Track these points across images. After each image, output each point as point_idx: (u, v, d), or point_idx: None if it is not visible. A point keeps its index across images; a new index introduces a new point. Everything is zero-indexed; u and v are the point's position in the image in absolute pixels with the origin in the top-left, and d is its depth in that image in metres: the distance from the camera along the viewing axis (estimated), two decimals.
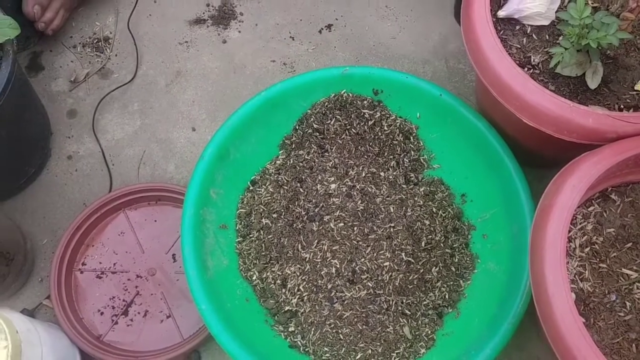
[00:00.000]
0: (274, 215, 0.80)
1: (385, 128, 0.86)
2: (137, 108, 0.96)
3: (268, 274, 0.78)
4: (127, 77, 0.98)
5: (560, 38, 0.74)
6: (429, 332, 0.75)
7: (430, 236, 0.80)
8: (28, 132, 0.83)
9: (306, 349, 0.74)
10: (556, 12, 0.77)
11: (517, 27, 0.79)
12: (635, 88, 0.74)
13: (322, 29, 1.04)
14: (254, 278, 0.78)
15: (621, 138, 0.67)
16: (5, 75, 0.70)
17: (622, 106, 0.73)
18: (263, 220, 0.80)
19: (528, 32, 0.79)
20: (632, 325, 0.64)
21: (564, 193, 0.63)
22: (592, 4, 0.80)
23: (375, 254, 0.77)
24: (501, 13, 0.79)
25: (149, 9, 1.03)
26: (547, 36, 0.78)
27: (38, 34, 0.95)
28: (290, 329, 0.75)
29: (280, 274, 0.78)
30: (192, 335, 0.78)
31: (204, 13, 1.04)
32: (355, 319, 0.74)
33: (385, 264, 0.76)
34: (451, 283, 0.78)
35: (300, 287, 0.76)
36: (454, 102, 0.84)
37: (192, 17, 1.03)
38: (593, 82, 0.74)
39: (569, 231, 0.68)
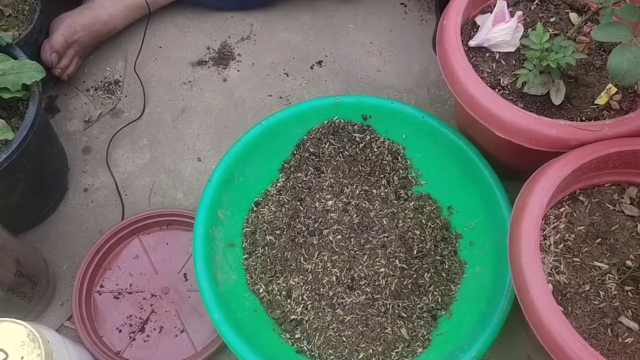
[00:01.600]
0: (277, 232, 0.88)
1: (375, 149, 0.94)
2: (147, 142, 1.04)
3: (274, 286, 0.84)
4: (136, 115, 1.06)
5: (525, 62, 0.84)
6: (425, 333, 0.82)
7: (421, 245, 0.87)
8: (49, 168, 0.91)
9: (312, 353, 0.80)
10: (520, 39, 0.87)
11: (487, 55, 0.89)
12: (595, 102, 0.84)
13: (314, 65, 1.14)
14: (260, 291, 0.84)
15: (583, 145, 0.76)
16: (33, 113, 0.78)
17: (584, 118, 0.82)
18: (267, 237, 0.88)
19: (497, 58, 0.88)
20: (606, 312, 0.70)
21: (535, 193, 0.71)
22: (553, 31, 0.91)
23: (371, 262, 0.84)
24: (472, 43, 0.89)
25: (155, 53, 1.12)
26: (513, 61, 0.88)
27: (54, 79, 1.04)
28: (296, 336, 0.81)
29: (285, 285, 0.84)
30: (204, 347, 0.84)
31: (205, 55, 1.13)
32: (356, 322, 0.80)
33: (381, 270, 0.83)
34: (443, 287, 0.85)
35: (304, 297, 0.83)
36: (435, 123, 0.93)
37: (195, 59, 1.13)
38: (557, 99, 0.83)
39: (544, 230, 0.75)
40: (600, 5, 0.75)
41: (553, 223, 0.76)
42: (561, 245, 0.75)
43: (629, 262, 0.72)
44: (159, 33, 1.14)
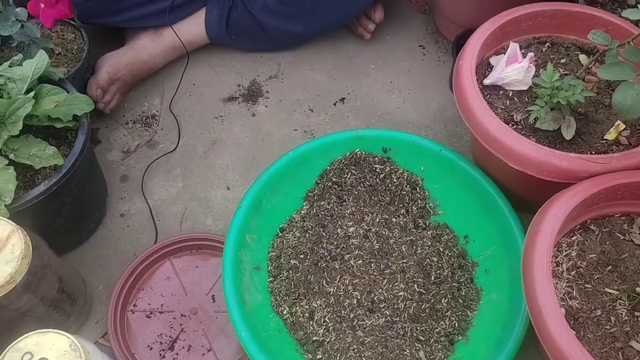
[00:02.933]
0: (301, 257, 0.92)
1: (395, 180, 0.99)
2: (180, 172, 1.11)
3: (297, 308, 0.89)
4: (170, 146, 1.13)
5: (537, 99, 0.89)
6: (442, 356, 0.85)
7: (438, 271, 0.91)
8: (91, 193, 0.98)
9: None
10: (532, 78, 0.93)
11: (501, 92, 0.95)
12: (605, 137, 0.88)
13: (337, 102, 1.21)
14: (284, 312, 0.89)
15: (593, 176, 0.80)
16: (82, 142, 0.86)
17: (594, 153, 0.87)
18: (291, 261, 0.92)
19: (510, 95, 0.94)
20: (617, 336, 0.73)
21: (547, 221, 0.75)
22: (563, 71, 0.96)
23: (391, 286, 0.88)
24: (486, 81, 0.94)
25: (189, 90, 1.21)
26: (526, 98, 0.94)
27: (97, 113, 1.12)
28: (318, 357, 0.85)
29: (307, 307, 0.88)
30: None
31: (235, 92, 1.21)
32: (376, 344, 0.84)
33: (400, 294, 0.87)
34: (460, 313, 0.88)
35: (326, 319, 0.87)
36: (452, 156, 0.98)
37: (226, 96, 1.21)
38: (568, 134, 0.88)
39: (557, 257, 0.79)
40: (606, 47, 0.80)
41: (565, 250, 0.80)
42: (573, 272, 0.78)
43: (638, 289, 0.75)
44: (194, 71, 1.23)
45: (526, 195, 0.94)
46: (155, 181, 1.09)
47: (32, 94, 0.80)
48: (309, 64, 1.26)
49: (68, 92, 0.88)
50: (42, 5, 0.88)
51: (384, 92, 1.22)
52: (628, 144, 0.87)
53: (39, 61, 0.84)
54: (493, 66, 0.96)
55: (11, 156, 0.80)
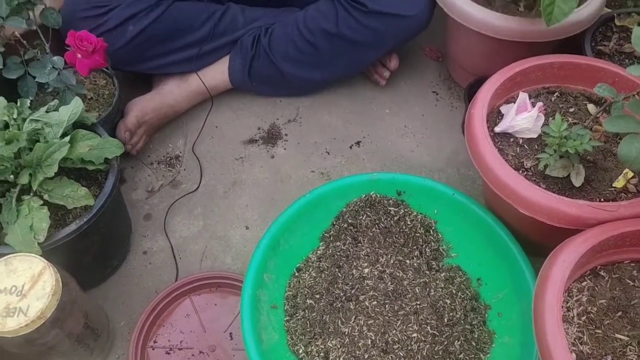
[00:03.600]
0: (317, 296, 0.95)
1: (409, 222, 1.02)
2: (201, 211, 1.15)
3: (312, 347, 0.91)
4: (192, 186, 1.18)
5: (546, 147, 0.93)
6: None
7: (451, 314, 0.93)
8: (117, 232, 1.02)
9: None
10: (541, 127, 0.97)
11: (511, 140, 0.98)
12: (613, 185, 0.91)
13: (352, 145, 1.25)
14: (300, 352, 0.91)
15: (601, 223, 0.82)
16: (111, 183, 0.91)
17: (602, 200, 0.89)
18: (307, 300, 0.95)
19: (520, 143, 0.97)
20: None
21: (557, 267, 0.77)
22: (572, 120, 1.00)
23: (404, 327, 0.90)
24: (497, 129, 0.98)
25: (212, 132, 1.26)
26: (536, 146, 0.97)
27: (124, 153, 1.17)
28: None
29: (323, 347, 0.90)
30: None
31: (255, 135, 1.27)
32: None
33: (413, 335, 0.89)
34: (472, 356, 0.90)
35: (341, 359, 0.89)
36: (464, 200, 1.01)
37: (246, 138, 1.26)
38: (577, 181, 0.90)
39: (567, 302, 0.81)
40: (613, 99, 0.84)
41: (576, 296, 0.82)
42: (584, 317, 0.80)
43: None
44: (217, 114, 1.29)
45: (537, 239, 0.96)
46: (177, 220, 1.14)
47: (67, 138, 0.86)
48: (326, 109, 1.31)
49: (100, 136, 0.93)
50: (79, 56, 0.94)
51: (398, 136, 1.26)
52: (636, 191, 0.89)
53: (74, 107, 0.90)
54: (503, 114, 0.99)
55: (45, 197, 0.85)
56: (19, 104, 0.90)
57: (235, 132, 1.27)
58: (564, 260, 0.78)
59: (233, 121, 1.28)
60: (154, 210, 1.15)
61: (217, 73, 1.23)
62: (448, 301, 0.94)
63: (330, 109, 1.31)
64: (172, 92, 1.21)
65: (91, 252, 0.94)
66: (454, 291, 0.96)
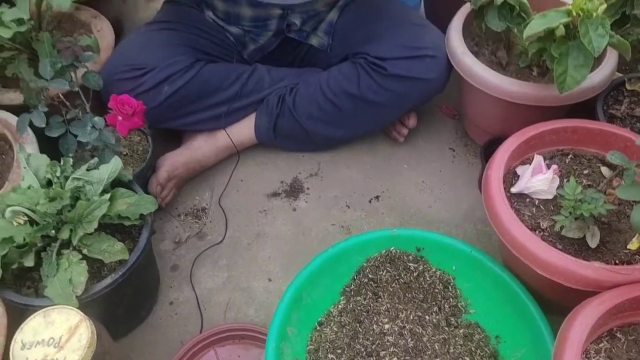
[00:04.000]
0: (338, 351, 0.97)
1: (428, 279, 1.05)
2: (225, 263, 1.19)
3: None
4: (218, 238, 1.23)
5: (562, 209, 0.96)
6: None
7: None
8: (147, 283, 1.06)
9: None
10: (556, 189, 1.00)
11: (527, 200, 1.02)
12: (628, 247, 0.94)
13: (372, 199, 1.30)
14: None
15: (617, 286, 0.85)
16: (145, 238, 0.95)
17: (617, 262, 0.92)
18: (329, 355, 0.97)
19: (536, 203, 1.01)
20: None
21: (575, 329, 0.80)
22: (586, 182, 1.04)
23: None
24: (513, 190, 1.02)
25: (237, 185, 1.32)
26: (551, 207, 1.01)
27: None
28: None
29: None
30: None
31: (278, 188, 1.32)
32: None
33: None
34: None
35: None
36: (482, 258, 1.04)
37: (270, 192, 1.31)
38: (592, 243, 0.94)
39: None
40: (625, 166, 0.88)
41: (594, 357, 0.83)
42: None
43: None
44: (242, 168, 1.34)
45: (554, 298, 0.98)
46: (202, 271, 1.18)
47: (107, 196, 0.91)
48: (347, 163, 1.36)
49: (136, 193, 0.99)
50: (120, 118, 1.01)
51: (416, 191, 1.31)
52: None
53: (113, 166, 0.96)
54: (519, 175, 1.04)
55: (84, 251, 0.90)
56: (62, 162, 0.96)
57: (260, 186, 1.32)
58: (581, 323, 0.80)
59: (257, 175, 1.34)
60: (181, 261, 1.19)
61: (244, 130, 1.30)
62: (467, 359, 0.96)
63: (350, 164, 1.36)
64: (201, 147, 1.27)
65: (123, 304, 0.98)
66: (472, 348, 0.97)
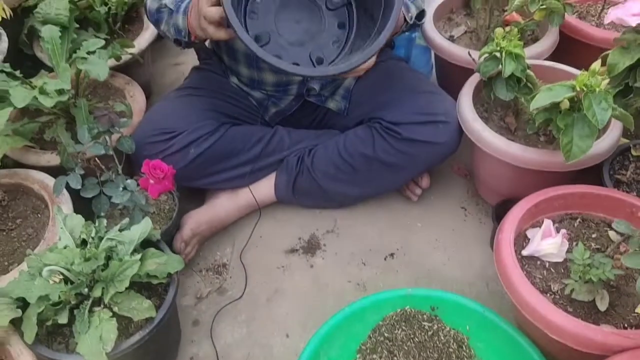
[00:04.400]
0: None
1: (442, 338, 1.08)
2: (244, 318, 1.23)
3: None
4: (237, 294, 1.27)
5: (571, 273, 1.00)
6: None
7: None
8: (171, 339, 1.10)
9: None
10: (566, 252, 1.04)
11: (538, 262, 1.06)
12: (636, 311, 0.97)
13: (387, 256, 1.34)
14: None
15: (625, 350, 0.87)
16: (172, 296, 1.00)
17: (626, 325, 0.95)
18: None
19: (547, 266, 1.05)
20: None
21: None
22: (595, 246, 1.08)
23: None
24: (524, 252, 1.06)
25: (257, 242, 1.37)
26: (562, 269, 1.04)
27: None
28: None
29: None
30: None
31: (296, 245, 1.36)
32: None
33: None
34: None
35: None
36: (495, 318, 1.07)
37: (288, 248, 1.36)
38: (602, 306, 0.97)
39: None
40: (630, 234, 0.92)
41: None
42: None
43: None
44: (262, 225, 1.40)
45: (566, 359, 1.01)
46: (222, 326, 1.21)
47: (139, 256, 0.97)
48: (362, 220, 1.41)
49: (164, 252, 1.04)
50: (152, 181, 1.08)
51: (430, 249, 1.35)
52: None
53: (144, 227, 1.02)
54: (530, 239, 1.08)
55: (115, 309, 0.95)
56: (97, 223, 1.02)
57: (278, 242, 1.37)
58: None
59: (276, 231, 1.39)
60: (202, 316, 1.23)
61: (265, 188, 1.36)
62: None
63: (366, 221, 1.41)
64: (224, 205, 1.33)
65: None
66: None
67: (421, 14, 1.30)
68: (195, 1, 1.07)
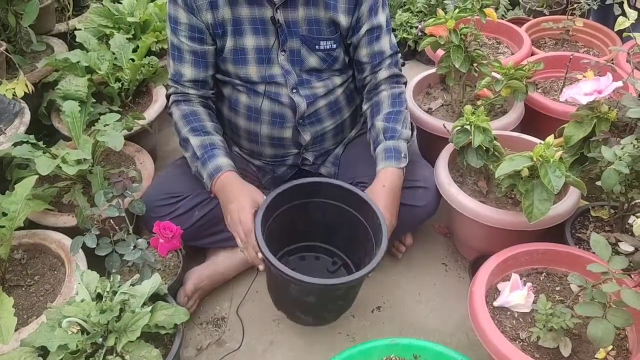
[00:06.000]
0: None
1: None
2: None
3: None
4: (235, 345, 1.36)
5: (537, 322, 1.11)
6: None
7: None
8: None
9: None
10: (532, 303, 1.16)
11: (508, 313, 1.17)
12: (596, 356, 1.08)
13: (374, 309, 1.44)
14: None
15: None
16: (178, 344, 1.10)
17: None
18: None
19: (516, 316, 1.16)
20: None
21: None
22: (558, 297, 1.20)
23: None
24: (495, 303, 1.18)
25: (253, 297, 1.47)
26: (529, 319, 1.16)
27: None
28: None
29: None
30: None
31: None
32: None
33: None
34: None
35: None
36: None
37: None
38: (565, 352, 1.08)
39: None
40: (584, 286, 1.05)
41: None
42: None
43: None
44: (257, 281, 1.50)
45: None
46: None
47: (149, 308, 1.07)
48: None
49: (168, 303, 1.15)
50: (162, 241, 1.20)
51: (413, 302, 1.46)
52: None
53: (154, 282, 1.13)
54: (500, 291, 1.20)
55: (127, 357, 1.05)
56: (111, 279, 1.13)
57: None
58: None
59: None
60: None
61: None
62: None
63: None
64: (224, 262, 1.45)
65: None
66: None
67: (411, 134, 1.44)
68: (239, 206, 1.23)
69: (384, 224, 1.21)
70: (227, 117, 1.47)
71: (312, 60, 1.36)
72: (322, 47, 1.35)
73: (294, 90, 1.38)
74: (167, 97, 1.43)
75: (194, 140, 1.33)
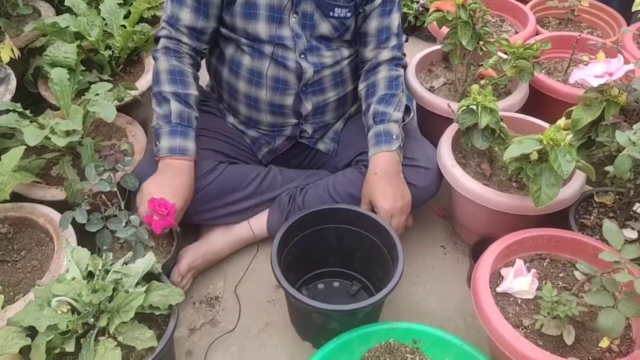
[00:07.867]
0: None
1: None
2: (236, 349, 1.29)
3: None
4: (230, 326, 1.33)
5: (541, 309, 1.09)
6: None
7: None
8: None
9: None
10: (536, 289, 1.14)
11: (511, 299, 1.15)
12: (599, 345, 1.06)
13: None
14: None
15: None
16: (172, 326, 1.06)
17: (590, 358, 1.04)
18: None
19: (519, 302, 1.14)
20: None
21: None
22: (562, 284, 1.18)
23: None
24: (498, 289, 1.16)
25: (248, 275, 1.44)
26: (532, 306, 1.14)
27: None
28: None
29: None
30: None
31: None
32: None
33: None
34: None
35: None
36: (472, 351, 1.15)
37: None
38: (568, 340, 1.06)
39: None
40: (592, 274, 1.02)
41: None
42: None
43: None
44: (254, 259, 1.47)
45: None
46: (214, 357, 1.27)
47: (144, 288, 1.03)
48: None
49: (162, 283, 1.10)
50: (156, 218, 1.15)
51: (411, 285, 1.44)
52: (619, 351, 1.05)
53: (148, 261, 1.09)
54: (504, 277, 1.17)
55: (119, 338, 1.01)
56: (103, 257, 1.09)
57: (269, 277, 1.42)
58: None
59: (267, 266, 1.45)
60: (195, 347, 1.29)
61: (257, 225, 1.44)
62: None
63: None
64: (218, 240, 1.41)
65: None
66: None
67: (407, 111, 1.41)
68: (172, 192, 1.23)
69: (399, 243, 1.21)
70: (226, 80, 1.42)
71: (324, 27, 1.32)
72: (336, 15, 1.32)
73: (302, 56, 1.33)
74: (157, 39, 1.37)
75: (174, 106, 1.30)
